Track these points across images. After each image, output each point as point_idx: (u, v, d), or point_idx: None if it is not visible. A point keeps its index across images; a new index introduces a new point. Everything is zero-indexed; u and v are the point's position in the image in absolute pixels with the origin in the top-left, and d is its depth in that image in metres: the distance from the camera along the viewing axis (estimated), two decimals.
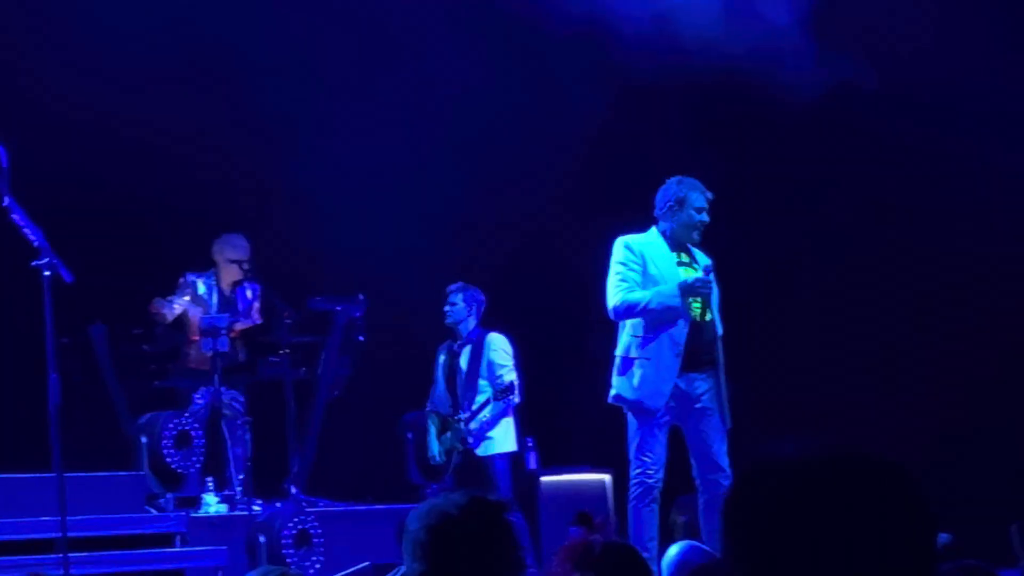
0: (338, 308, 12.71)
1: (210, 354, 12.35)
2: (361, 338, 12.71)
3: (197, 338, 12.48)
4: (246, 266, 12.76)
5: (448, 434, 12.49)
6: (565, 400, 13.66)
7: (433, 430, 12.56)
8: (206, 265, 12.91)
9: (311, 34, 13.87)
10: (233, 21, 13.31)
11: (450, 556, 4.76)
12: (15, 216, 9.12)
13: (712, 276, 10.56)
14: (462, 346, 12.63)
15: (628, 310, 10.39)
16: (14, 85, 12.60)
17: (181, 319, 12.64)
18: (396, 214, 13.85)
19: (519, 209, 14.10)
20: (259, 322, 12.81)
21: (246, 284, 12.92)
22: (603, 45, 12.84)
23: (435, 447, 12.54)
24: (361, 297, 12.67)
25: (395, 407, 13.14)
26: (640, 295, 10.35)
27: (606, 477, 13.15)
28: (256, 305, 12.88)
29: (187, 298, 12.69)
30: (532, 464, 13.20)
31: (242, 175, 13.78)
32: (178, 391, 12.81)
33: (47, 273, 9.04)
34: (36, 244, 9.10)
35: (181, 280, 12.83)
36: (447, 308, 12.67)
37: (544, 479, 13.12)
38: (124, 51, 12.96)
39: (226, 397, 12.54)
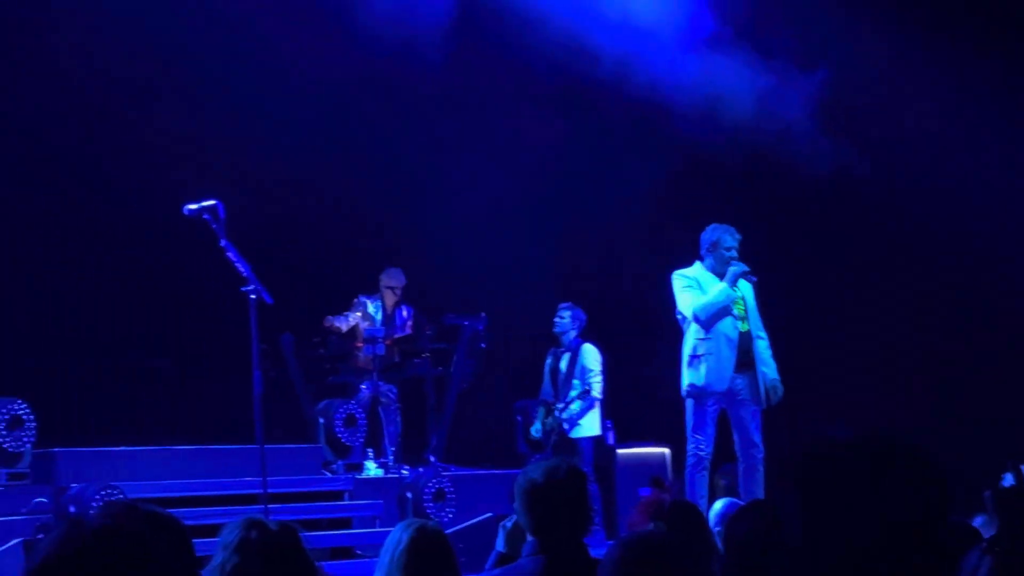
0: (465, 323, 12.79)
1: (370, 356, 12.50)
2: (483, 345, 12.79)
3: (362, 344, 12.61)
4: (399, 292, 12.87)
5: (549, 419, 12.53)
6: (636, 391, 13.66)
7: (540, 414, 12.60)
8: (375, 289, 13.01)
9: (444, 105, 13.80)
10: (378, 94, 13.37)
11: (544, 509, 4.82)
12: (230, 254, 9.29)
13: (748, 295, 10.68)
14: (563, 352, 12.62)
15: (705, 309, 10.50)
16: (227, 151, 12.77)
17: (354, 330, 12.79)
18: (510, 247, 13.82)
19: (602, 244, 14.06)
20: (408, 334, 12.90)
21: (402, 306, 13.01)
22: (662, 122, 12.81)
23: (537, 427, 12.59)
24: (483, 314, 12.75)
25: (508, 396, 13.22)
26: (704, 299, 10.49)
27: (666, 450, 13.12)
28: (409, 323, 12.96)
29: (359, 314, 12.81)
30: (611, 441, 13.14)
31: (396, 217, 13.78)
32: (348, 384, 12.83)
33: (253, 297, 9.21)
34: (245, 275, 9.28)
35: (355, 300, 12.90)
36: (556, 320, 12.60)
37: (620, 452, 13.09)
38: (301, 115, 13.03)
39: (383, 389, 12.63)
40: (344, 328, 12.64)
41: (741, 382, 10.59)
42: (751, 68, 12.56)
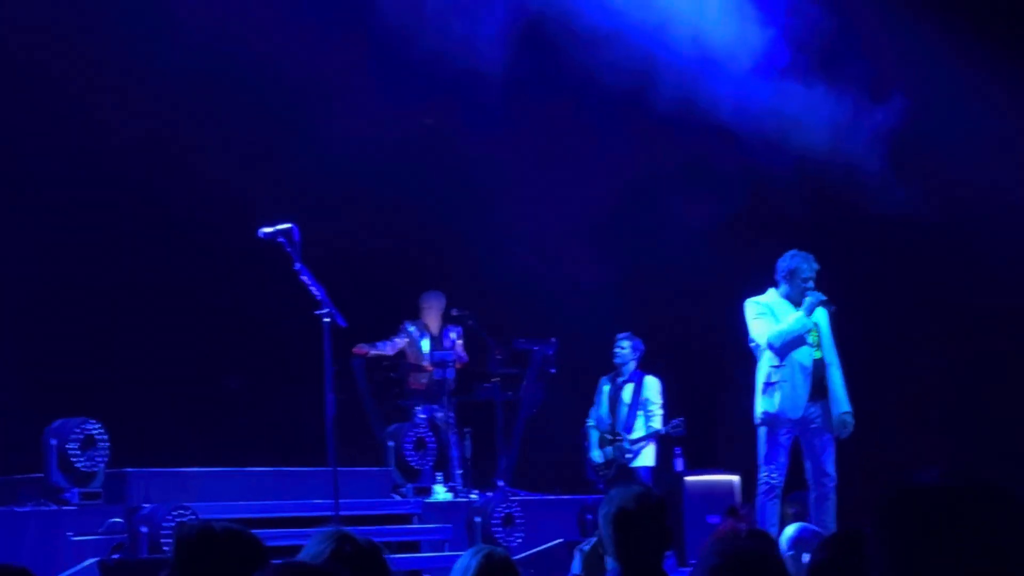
0: (535, 348, 12.83)
1: (439, 379, 12.53)
2: (552, 370, 12.81)
3: (431, 368, 12.64)
4: (439, 313, 12.90)
5: (610, 448, 12.52)
6: (705, 419, 13.62)
7: (594, 439, 12.62)
8: (417, 314, 13.07)
9: (512, 129, 13.78)
10: (447, 117, 13.40)
11: (633, 536, 4.86)
12: (304, 277, 9.35)
13: (823, 323, 10.63)
14: (625, 383, 12.60)
15: (780, 336, 10.49)
16: (300, 175, 12.88)
17: (402, 354, 12.84)
18: (581, 272, 13.78)
19: (673, 269, 13.99)
20: (466, 359, 12.91)
21: (448, 327, 13.04)
22: (732, 149, 12.78)
23: (596, 453, 12.59)
24: (553, 339, 12.78)
25: (577, 422, 13.19)
26: (778, 328, 10.46)
27: (735, 478, 13.07)
28: (459, 343, 12.98)
29: (405, 339, 12.87)
30: (679, 467, 13.13)
31: (465, 241, 13.79)
32: (406, 408, 12.92)
33: (327, 320, 9.27)
34: (319, 298, 9.33)
35: (400, 326, 12.99)
36: (616, 350, 12.64)
37: (688, 479, 13.06)
38: (370, 138, 13.04)
39: (439, 413, 12.66)
40: (391, 352, 12.71)
41: (815, 410, 10.55)
42: (824, 99, 12.51)
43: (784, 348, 10.48)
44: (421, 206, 13.65)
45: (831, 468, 10.55)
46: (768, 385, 10.57)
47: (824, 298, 10.52)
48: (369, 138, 13.00)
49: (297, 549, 4.34)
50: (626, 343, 12.63)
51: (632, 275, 14.05)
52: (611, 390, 12.70)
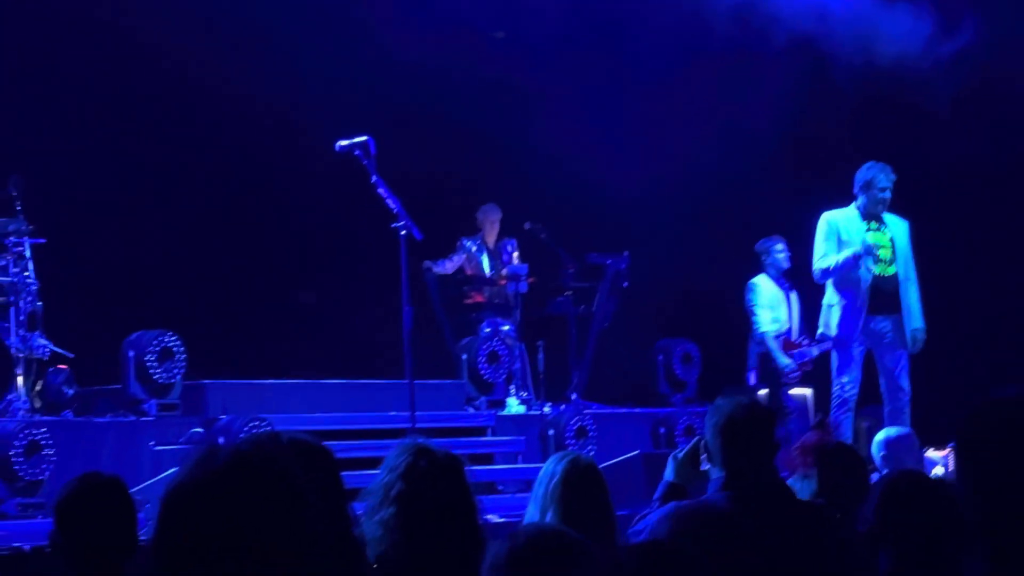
0: (608, 261, 12.72)
1: (512, 294, 12.49)
2: (625, 284, 12.71)
3: (504, 282, 12.60)
4: (497, 225, 12.87)
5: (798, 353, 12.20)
6: None
7: (775, 344, 12.16)
8: (475, 230, 13.00)
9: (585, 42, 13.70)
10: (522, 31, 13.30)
11: (741, 445, 4.79)
12: (380, 190, 9.32)
13: (900, 237, 10.47)
14: (790, 289, 12.17)
15: (823, 274, 10.49)
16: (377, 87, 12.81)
17: (461, 271, 12.81)
18: (654, 185, 13.66)
19: (746, 183, 13.82)
20: (526, 267, 12.77)
21: (507, 240, 12.98)
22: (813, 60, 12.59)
23: (784, 359, 12.03)
24: (626, 253, 12.67)
25: (649, 335, 13.14)
26: (828, 262, 10.41)
27: (808, 391, 12.99)
28: (516, 255, 12.91)
29: (464, 255, 12.83)
30: (753, 381, 13.03)
31: (538, 155, 13.63)
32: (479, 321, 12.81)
33: (403, 233, 9.25)
34: (395, 211, 9.30)
35: (458, 243, 12.93)
36: (780, 255, 12.04)
37: (761, 392, 12.98)
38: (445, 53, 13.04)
39: (505, 327, 12.58)
40: (449, 270, 12.69)
41: (886, 325, 10.51)
42: (904, 15, 12.28)
43: (829, 280, 10.47)
44: (492, 120, 13.53)
45: (905, 382, 10.53)
46: (828, 305, 10.60)
47: (874, 253, 10.36)
48: (439, 51, 12.92)
49: (371, 461, 4.33)
50: (782, 245, 12.17)
51: (708, 186, 13.87)
52: (783, 296, 12.23)
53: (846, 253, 10.46)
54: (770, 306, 11.98)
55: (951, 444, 10.79)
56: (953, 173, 13.45)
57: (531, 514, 4.72)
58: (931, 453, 10.68)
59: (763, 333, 11.90)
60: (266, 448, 2.45)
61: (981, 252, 13.90)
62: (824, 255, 10.57)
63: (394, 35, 12.83)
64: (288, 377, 10.96)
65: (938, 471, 9.91)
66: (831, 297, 10.65)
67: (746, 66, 13.18)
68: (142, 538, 4.49)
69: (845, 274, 10.49)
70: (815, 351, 11.59)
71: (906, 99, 12.67)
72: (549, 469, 4.78)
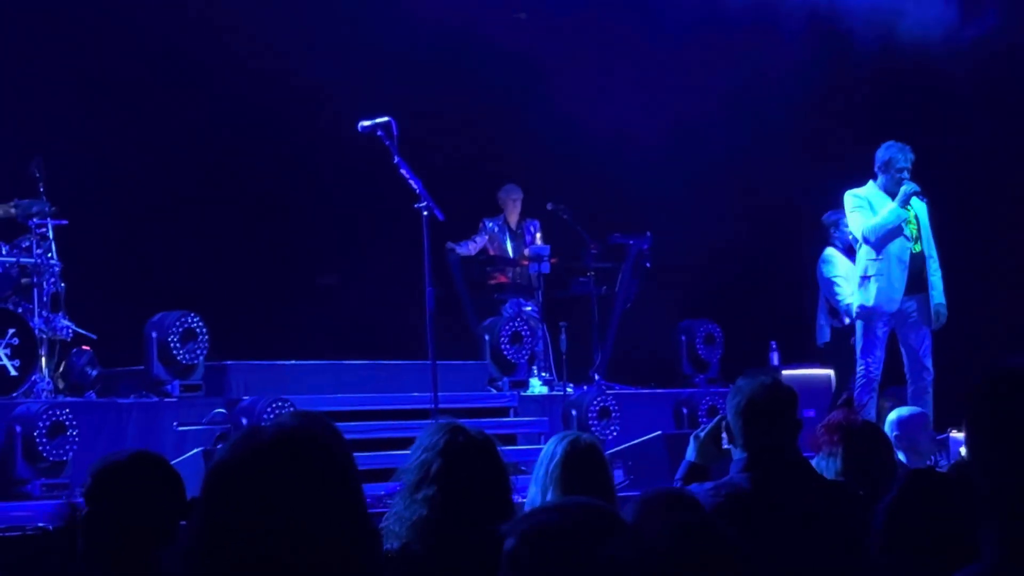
0: (631, 242, 12.68)
1: (534, 275, 12.47)
2: (648, 264, 12.68)
3: (527, 263, 12.57)
4: (519, 204, 12.85)
5: None
6: (801, 312, 13.47)
7: None
8: (497, 211, 13.01)
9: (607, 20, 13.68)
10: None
11: (761, 426, 4.82)
12: (403, 171, 9.32)
13: (923, 215, 10.46)
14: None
15: (875, 231, 10.33)
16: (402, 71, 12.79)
17: (484, 252, 12.79)
18: (677, 165, 13.61)
19: (769, 161, 13.77)
20: (549, 248, 12.74)
21: (529, 221, 12.97)
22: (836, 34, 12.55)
23: None
24: (648, 234, 12.64)
25: (671, 316, 13.11)
26: (875, 221, 10.30)
27: (830, 372, 12.94)
28: (539, 235, 12.88)
29: (487, 236, 12.82)
30: (775, 362, 13.02)
31: (561, 136, 13.59)
32: (501, 302, 12.84)
33: (425, 214, 9.24)
34: (417, 191, 9.29)
35: (480, 224, 12.92)
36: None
37: (784, 372, 12.94)
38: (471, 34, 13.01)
39: (528, 307, 12.59)
40: (470, 251, 12.67)
41: (912, 304, 10.45)
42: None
43: (880, 242, 10.34)
44: (515, 100, 13.55)
45: (929, 362, 10.48)
46: (864, 278, 10.48)
47: (918, 189, 10.33)
48: (461, 31, 12.91)
49: (394, 441, 4.34)
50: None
51: (731, 166, 13.84)
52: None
53: (892, 206, 10.27)
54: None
55: None
56: (974, 153, 13.43)
57: (532, 495, 4.71)
58: (956, 434, 10.64)
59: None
60: (311, 425, 2.45)
61: (1006, 231, 13.85)
62: (865, 218, 10.40)
63: (417, 15, 12.81)
64: (310, 358, 10.97)
65: (963, 451, 9.86)
66: (869, 268, 10.46)
67: (768, 44, 13.14)
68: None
69: (886, 245, 10.35)
70: None
71: (927, 79, 12.65)
72: (550, 449, 4.78)
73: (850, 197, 10.56)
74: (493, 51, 13.27)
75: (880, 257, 10.39)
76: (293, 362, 10.79)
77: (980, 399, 2.43)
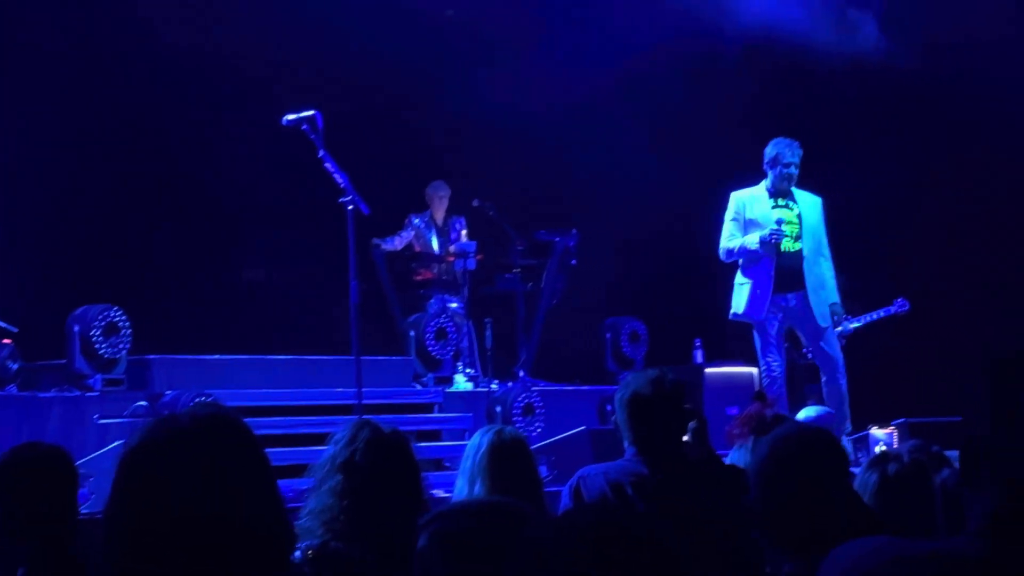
0: (557, 239, 12.77)
1: (460, 271, 12.53)
2: (573, 262, 12.78)
3: (452, 259, 12.63)
4: (446, 201, 12.86)
5: None
6: (726, 310, 13.60)
7: None
8: (423, 207, 13.05)
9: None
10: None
11: (648, 420, 4.96)
12: (328, 165, 9.33)
13: (810, 213, 10.62)
14: None
15: (728, 254, 10.67)
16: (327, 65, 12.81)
17: (410, 248, 12.83)
18: (602, 162, 13.75)
19: (693, 159, 13.89)
20: (475, 245, 12.79)
21: (455, 218, 13.01)
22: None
23: None
24: (574, 231, 12.74)
25: (597, 313, 13.21)
26: (733, 243, 10.52)
27: (754, 370, 13.04)
28: (464, 232, 12.92)
29: (412, 232, 12.85)
30: (699, 359, 13.14)
31: (484, 133, 13.70)
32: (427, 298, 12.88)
33: (350, 208, 9.27)
34: (342, 185, 9.31)
35: (407, 220, 12.95)
36: None
37: (707, 371, 13.06)
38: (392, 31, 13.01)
39: (453, 304, 12.63)
40: (399, 247, 12.71)
41: (793, 300, 10.63)
42: None
43: (733, 260, 10.62)
44: (442, 96, 13.59)
45: (832, 350, 10.69)
46: (737, 284, 10.74)
47: (781, 238, 10.40)
48: (388, 25, 12.94)
49: (317, 437, 4.40)
50: None
51: (655, 164, 13.93)
52: None
53: (753, 238, 10.51)
54: None
55: (895, 422, 10.99)
56: (868, 150, 13.69)
57: (460, 487, 4.81)
58: (875, 431, 10.82)
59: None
60: (225, 413, 2.50)
61: (927, 230, 14.09)
62: (731, 236, 10.66)
63: (342, 9, 12.82)
64: (235, 353, 10.96)
65: (879, 449, 10.04)
66: (740, 276, 10.73)
67: (687, 44, 13.28)
68: (87, 511, 4.45)
69: (752, 255, 10.55)
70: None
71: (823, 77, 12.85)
72: (475, 442, 4.95)
73: (732, 201, 10.75)
74: (421, 47, 13.32)
75: (748, 263, 10.61)
76: (217, 357, 10.77)
77: (994, 375, 2.64)
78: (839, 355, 10.69)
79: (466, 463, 5.04)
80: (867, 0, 12.67)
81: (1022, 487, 2.44)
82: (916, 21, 13.01)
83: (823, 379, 10.77)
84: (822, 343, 10.67)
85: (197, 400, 9.35)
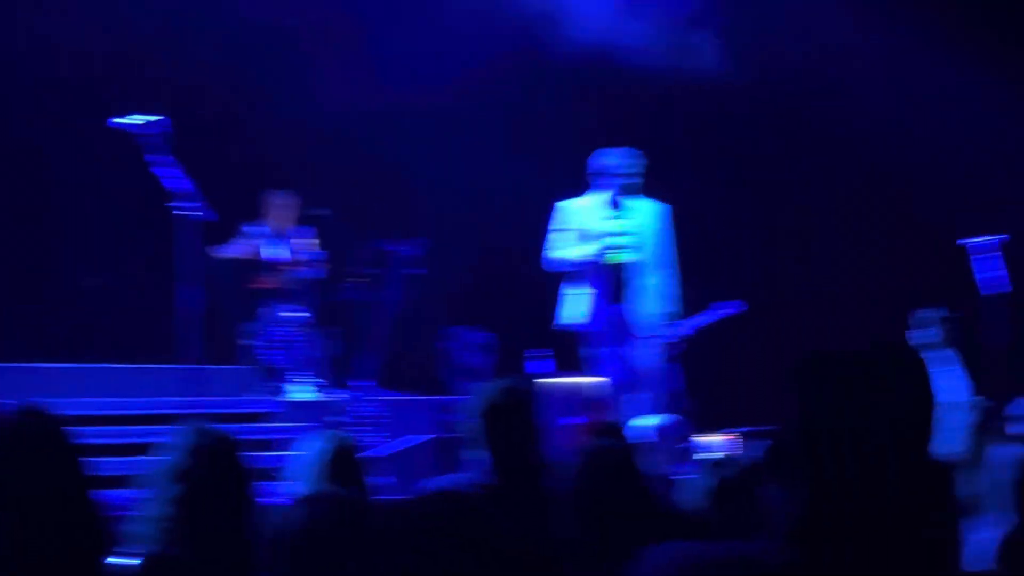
0: (402, 248, 12.70)
1: (307, 280, 12.44)
2: (420, 271, 12.72)
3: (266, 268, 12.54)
4: (286, 212, 12.77)
5: None
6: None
7: None
8: (266, 215, 12.89)
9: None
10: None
11: (497, 424, 4.97)
12: (164, 170, 9.21)
13: (648, 223, 10.63)
14: None
15: (554, 264, 10.71)
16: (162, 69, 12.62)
17: (251, 254, 12.71)
18: (448, 171, 13.75)
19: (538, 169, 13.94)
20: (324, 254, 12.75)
21: (299, 226, 12.88)
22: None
23: None
24: (421, 240, 12.68)
25: (444, 322, 13.20)
26: (559, 254, 10.47)
27: (591, 380, 13.12)
28: (309, 241, 12.81)
29: (255, 240, 12.72)
30: (549, 369, 13.13)
31: (333, 140, 13.62)
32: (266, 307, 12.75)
33: (189, 214, 9.12)
34: (179, 192, 9.17)
35: (248, 228, 12.78)
36: None
37: (547, 381, 12.99)
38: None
39: (297, 312, 12.51)
40: (240, 255, 12.57)
41: (627, 311, 10.63)
42: None
43: (559, 270, 10.61)
44: (285, 105, 13.48)
45: (655, 363, 10.68)
46: (566, 295, 10.67)
47: (617, 248, 10.46)
48: (226, 30, 12.80)
49: (151, 447, 4.43)
50: None
51: (503, 173, 13.95)
52: None
53: (586, 251, 10.50)
54: None
55: (731, 430, 11.10)
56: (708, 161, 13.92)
57: (295, 493, 4.80)
58: (710, 438, 10.91)
59: None
60: (40, 419, 2.47)
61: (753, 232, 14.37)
62: (559, 246, 10.64)
63: (183, 11, 12.68)
64: (68, 361, 10.74)
65: (715, 455, 10.12)
66: (572, 285, 10.70)
67: (526, 60, 13.36)
68: None
69: (583, 265, 10.56)
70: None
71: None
72: (310, 448, 5.05)
73: (557, 211, 10.73)
74: (262, 53, 13.19)
75: (580, 274, 10.58)
76: (44, 365, 10.55)
77: (802, 378, 2.67)
78: (665, 365, 10.69)
79: (301, 468, 5.12)
80: (705, 19, 12.79)
81: (827, 490, 2.52)
82: (753, 39, 13.21)
83: (648, 389, 10.71)
84: (648, 353, 10.64)
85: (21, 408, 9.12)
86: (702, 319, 11.94)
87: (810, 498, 2.53)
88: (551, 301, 12.90)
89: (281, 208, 12.85)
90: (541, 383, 12.44)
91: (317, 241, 12.80)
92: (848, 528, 2.50)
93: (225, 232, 12.40)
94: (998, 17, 13.70)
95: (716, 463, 5.13)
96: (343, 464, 5.06)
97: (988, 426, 9.64)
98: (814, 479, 2.54)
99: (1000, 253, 10.40)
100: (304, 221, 12.91)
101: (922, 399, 2.61)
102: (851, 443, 2.55)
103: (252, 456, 9.40)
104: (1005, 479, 4.89)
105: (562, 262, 10.58)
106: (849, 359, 2.64)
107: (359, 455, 5.24)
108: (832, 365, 2.65)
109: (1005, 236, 10.41)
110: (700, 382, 10.97)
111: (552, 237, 10.67)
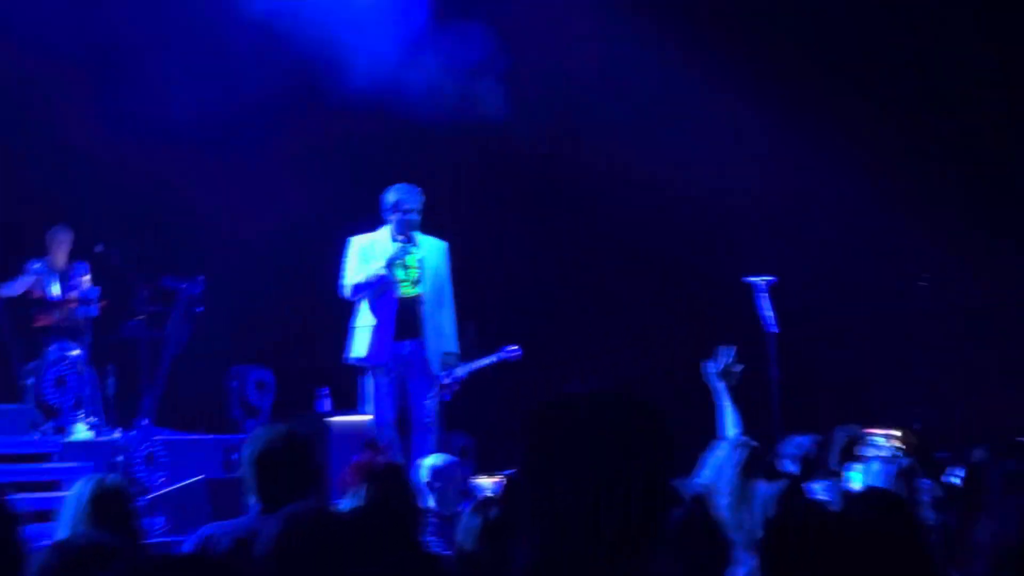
0: (182, 285, 12.64)
1: (82, 318, 12.31)
2: (199, 309, 12.68)
3: (76, 305, 12.40)
4: (67, 248, 12.66)
5: None
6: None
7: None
8: (43, 252, 12.76)
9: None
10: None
11: (271, 470, 5.01)
12: None
13: (432, 258, 10.73)
14: None
15: (356, 289, 10.59)
16: None
17: (29, 294, 12.56)
18: (227, 209, 13.76)
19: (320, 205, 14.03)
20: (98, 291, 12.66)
21: (78, 264, 12.76)
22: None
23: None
24: (201, 278, 12.65)
25: (222, 361, 13.18)
26: (355, 278, 10.55)
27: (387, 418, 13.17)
28: (86, 278, 12.70)
29: (33, 278, 12.57)
30: (326, 407, 13.17)
31: (106, 180, 13.54)
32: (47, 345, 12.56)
33: None
34: None
35: (26, 265, 12.61)
36: None
37: (333, 419, 13.11)
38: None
39: (75, 351, 12.37)
40: (17, 293, 12.40)
41: (411, 347, 10.64)
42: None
43: (362, 299, 10.61)
44: (68, 140, 13.32)
45: (431, 404, 10.71)
46: (355, 328, 10.70)
47: (407, 253, 10.60)
48: (7, 66, 12.66)
49: None
50: None
51: (287, 207, 13.96)
52: None
53: (376, 268, 10.51)
54: None
55: (503, 472, 11.30)
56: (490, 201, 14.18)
57: (62, 535, 4.82)
58: (481, 480, 11.11)
59: None
60: None
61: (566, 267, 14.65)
62: (352, 273, 10.64)
63: None
64: None
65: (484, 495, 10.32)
66: (360, 319, 10.69)
67: (304, 96, 13.44)
68: None
69: (376, 295, 10.57)
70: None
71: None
72: (77, 490, 5.04)
73: (350, 244, 10.75)
74: (42, 84, 13.04)
75: (367, 307, 10.63)
76: None
77: (534, 423, 2.67)
78: (434, 411, 10.73)
79: (67, 511, 5.10)
80: (492, 67, 13.02)
81: (554, 536, 2.59)
82: (534, 85, 13.50)
83: (414, 431, 10.71)
84: (424, 396, 10.67)
85: None
86: (478, 363, 12.05)
87: (540, 544, 2.57)
88: (331, 337, 13.03)
89: (58, 244, 12.72)
90: (329, 422, 12.68)
91: (88, 277, 12.65)
92: (576, 567, 2.54)
93: (9, 269, 12.27)
94: (781, 61, 14.11)
95: (482, 503, 5.19)
96: (108, 506, 5.02)
97: (755, 463, 9.95)
98: (537, 516, 2.59)
99: (768, 295, 10.53)
100: (79, 257, 12.79)
101: (652, 439, 2.63)
102: (570, 483, 2.58)
103: (32, 498, 9.40)
104: (760, 516, 5.05)
105: (357, 286, 10.56)
106: (576, 403, 2.66)
107: (128, 497, 5.23)
108: (559, 410, 2.67)
109: (773, 279, 10.55)
110: (479, 422, 11.15)
111: (347, 266, 10.69)
